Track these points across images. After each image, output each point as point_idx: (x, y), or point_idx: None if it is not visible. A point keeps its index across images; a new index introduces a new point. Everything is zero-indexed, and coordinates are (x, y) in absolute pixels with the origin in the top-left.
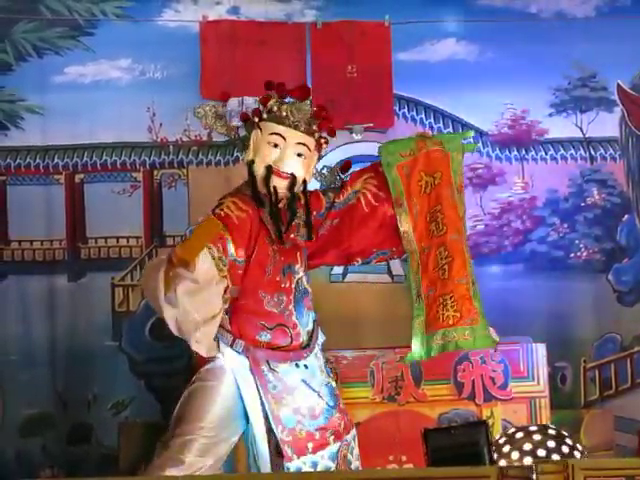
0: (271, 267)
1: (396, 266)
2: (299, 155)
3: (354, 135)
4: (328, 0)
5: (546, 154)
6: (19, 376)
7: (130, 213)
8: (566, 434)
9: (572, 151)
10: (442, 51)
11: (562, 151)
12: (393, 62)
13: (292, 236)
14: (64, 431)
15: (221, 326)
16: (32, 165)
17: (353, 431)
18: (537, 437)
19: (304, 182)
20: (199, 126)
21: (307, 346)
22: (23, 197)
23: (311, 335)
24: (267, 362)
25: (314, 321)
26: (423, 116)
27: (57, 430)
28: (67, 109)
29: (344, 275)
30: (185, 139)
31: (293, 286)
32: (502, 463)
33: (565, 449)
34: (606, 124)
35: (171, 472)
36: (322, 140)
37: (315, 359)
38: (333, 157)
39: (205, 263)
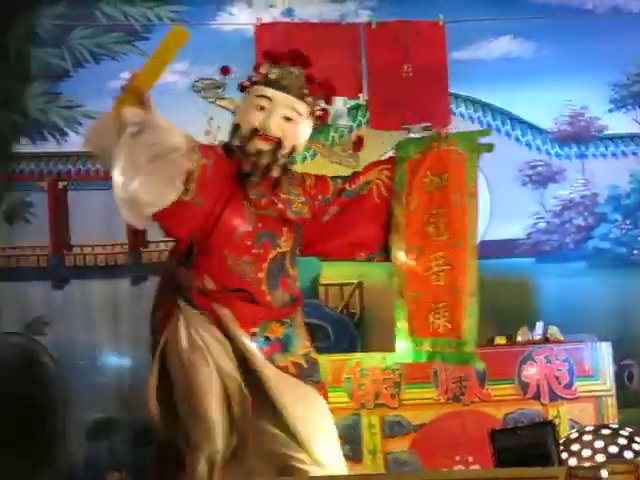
0: (243, 229)
1: None
2: (287, 119)
3: (412, 135)
4: (382, 0)
5: (606, 150)
6: (87, 381)
7: None
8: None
9: (632, 146)
10: (498, 49)
11: (622, 147)
12: (448, 61)
13: (280, 206)
14: (130, 434)
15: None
16: (91, 170)
17: None
18: (607, 434)
19: (293, 150)
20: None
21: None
22: (84, 202)
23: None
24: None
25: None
26: (481, 114)
27: (124, 433)
28: None
29: None
30: None
31: (269, 257)
32: (572, 462)
33: (636, 447)
34: None
35: None
36: (318, 109)
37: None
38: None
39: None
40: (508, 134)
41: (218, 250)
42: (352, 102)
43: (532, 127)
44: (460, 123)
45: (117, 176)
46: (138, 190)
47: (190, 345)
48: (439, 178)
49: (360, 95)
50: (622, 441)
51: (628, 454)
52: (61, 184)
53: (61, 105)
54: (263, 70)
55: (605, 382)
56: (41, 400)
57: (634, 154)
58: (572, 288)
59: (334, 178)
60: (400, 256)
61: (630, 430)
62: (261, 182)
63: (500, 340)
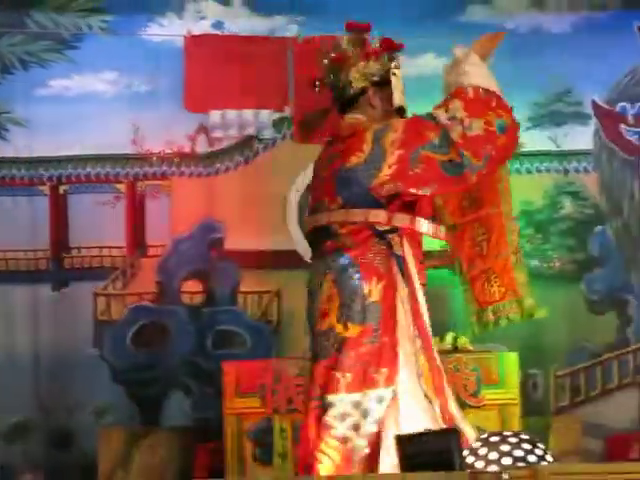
0: None
1: None
2: None
3: None
4: (310, 15)
5: (521, 166)
6: (3, 383)
7: (113, 224)
8: (537, 440)
9: (547, 164)
10: (422, 66)
11: (537, 164)
12: None
13: None
14: (46, 437)
15: None
16: (17, 176)
17: None
18: (510, 442)
19: None
20: (181, 138)
21: None
22: (8, 208)
23: None
24: None
25: None
26: None
27: (39, 436)
28: (52, 121)
29: None
30: (168, 151)
31: None
32: (479, 464)
33: (538, 453)
34: (580, 138)
35: None
36: None
37: None
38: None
39: None
40: None
41: None
42: (277, 115)
43: None
44: None
45: None
46: None
47: None
48: None
49: (286, 108)
50: (526, 446)
51: (532, 458)
52: None
53: None
54: None
55: (511, 391)
56: None
57: (548, 171)
58: None
59: None
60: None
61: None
62: None
63: None
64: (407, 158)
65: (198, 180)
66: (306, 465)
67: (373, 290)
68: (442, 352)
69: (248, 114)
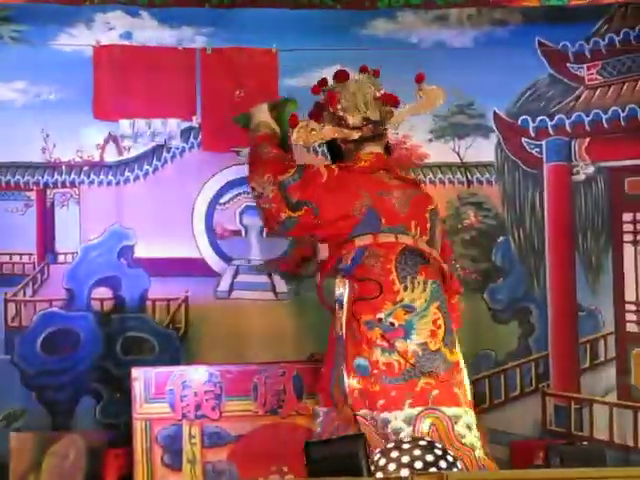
0: None
1: (280, 284)
2: None
3: (241, 157)
4: (218, 27)
5: (425, 177)
6: None
7: (23, 231)
8: (444, 447)
9: (450, 175)
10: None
11: (440, 175)
12: (281, 87)
13: None
14: None
15: None
16: None
17: None
18: (417, 451)
19: None
20: (91, 147)
21: None
22: None
23: None
24: None
25: None
26: None
27: None
28: None
29: (229, 292)
30: (78, 159)
31: None
32: (379, 475)
33: (449, 459)
34: (482, 149)
35: None
36: None
37: None
38: (220, 178)
39: None
40: None
41: None
42: (185, 124)
43: None
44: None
45: None
46: None
47: None
48: None
49: (194, 117)
50: (438, 451)
51: (443, 464)
52: None
53: None
54: None
55: None
56: None
57: (451, 182)
58: None
59: None
60: None
61: (438, 444)
62: None
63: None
64: None
65: (108, 188)
66: None
67: None
68: None
69: (157, 123)
